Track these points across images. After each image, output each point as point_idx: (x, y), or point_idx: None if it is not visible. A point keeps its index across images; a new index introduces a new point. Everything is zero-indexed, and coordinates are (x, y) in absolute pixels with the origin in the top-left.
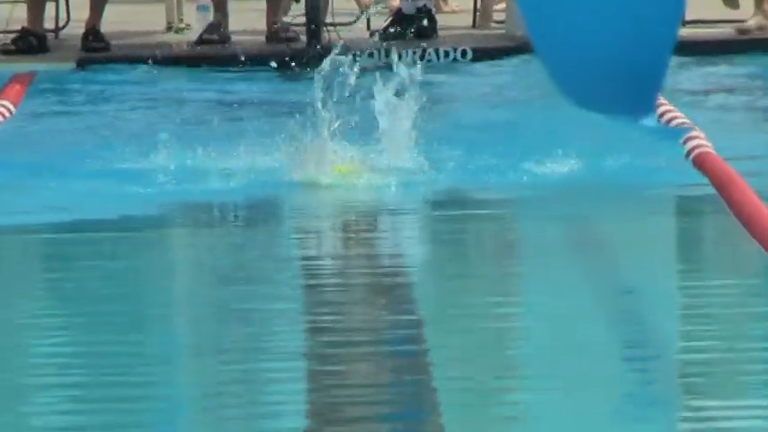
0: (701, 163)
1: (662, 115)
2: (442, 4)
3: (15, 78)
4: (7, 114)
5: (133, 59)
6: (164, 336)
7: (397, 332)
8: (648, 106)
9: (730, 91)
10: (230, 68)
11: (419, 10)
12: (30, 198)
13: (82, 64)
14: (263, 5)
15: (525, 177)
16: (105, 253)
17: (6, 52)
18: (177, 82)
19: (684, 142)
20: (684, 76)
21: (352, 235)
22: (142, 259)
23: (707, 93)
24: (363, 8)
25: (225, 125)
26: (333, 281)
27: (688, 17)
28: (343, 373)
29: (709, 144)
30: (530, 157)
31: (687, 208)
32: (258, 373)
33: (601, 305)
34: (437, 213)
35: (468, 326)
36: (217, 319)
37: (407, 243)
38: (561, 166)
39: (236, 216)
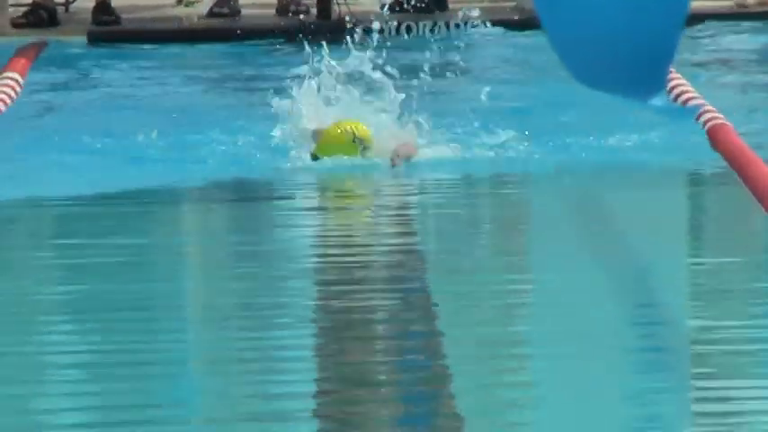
0: (715, 135)
1: (672, 90)
2: None
3: (22, 51)
4: (17, 88)
5: (143, 33)
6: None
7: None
8: (658, 85)
9: (727, 63)
10: (240, 42)
11: None
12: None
13: (92, 37)
14: None
15: (536, 155)
16: (111, 228)
17: (17, 26)
18: (186, 57)
19: (698, 116)
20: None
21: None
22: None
23: (707, 64)
24: None
25: (232, 99)
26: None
27: None
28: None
29: (723, 117)
30: (541, 136)
31: (700, 182)
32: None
33: (613, 281)
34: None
35: (480, 301)
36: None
37: (419, 219)
38: (572, 142)
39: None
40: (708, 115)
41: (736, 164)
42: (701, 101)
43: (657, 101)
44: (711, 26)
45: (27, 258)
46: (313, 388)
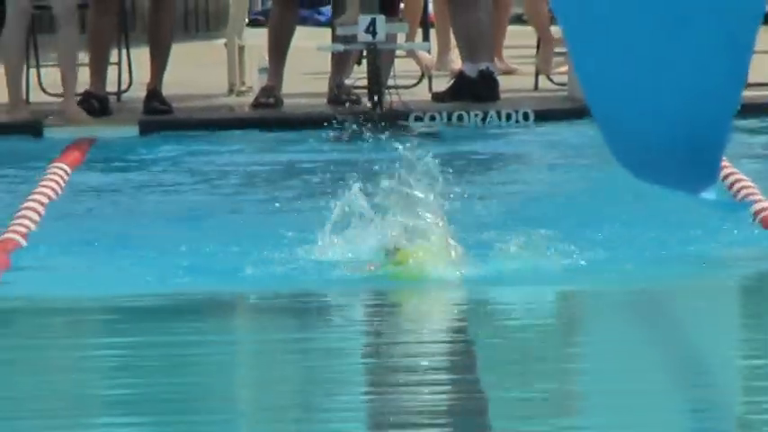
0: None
1: (726, 178)
2: (497, 61)
3: (75, 143)
4: (63, 180)
5: (194, 122)
6: None
7: None
8: (710, 179)
9: None
10: (291, 131)
11: (481, 72)
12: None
13: (144, 127)
14: (317, 67)
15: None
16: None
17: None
18: (239, 147)
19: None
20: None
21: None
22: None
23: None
24: (426, 70)
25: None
26: None
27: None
28: None
29: None
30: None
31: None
32: None
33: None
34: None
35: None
36: None
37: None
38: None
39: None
40: (761, 204)
41: None
42: (755, 193)
43: (709, 194)
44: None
45: (76, 356)
46: None
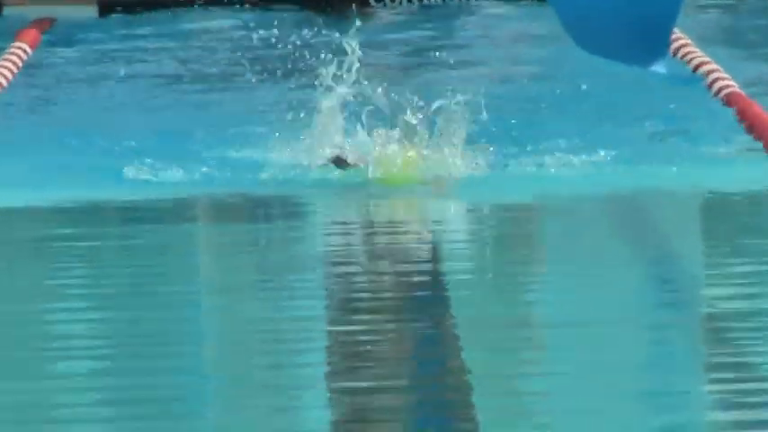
0: (728, 102)
1: (677, 51)
2: None
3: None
4: (24, 57)
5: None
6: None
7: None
8: (660, 52)
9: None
10: (255, 7)
11: None
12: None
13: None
14: None
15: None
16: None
17: None
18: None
19: (711, 83)
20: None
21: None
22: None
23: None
24: None
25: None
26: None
27: None
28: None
29: (733, 83)
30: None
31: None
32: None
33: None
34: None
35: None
36: None
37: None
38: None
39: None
40: (720, 83)
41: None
42: (710, 65)
43: (661, 67)
44: None
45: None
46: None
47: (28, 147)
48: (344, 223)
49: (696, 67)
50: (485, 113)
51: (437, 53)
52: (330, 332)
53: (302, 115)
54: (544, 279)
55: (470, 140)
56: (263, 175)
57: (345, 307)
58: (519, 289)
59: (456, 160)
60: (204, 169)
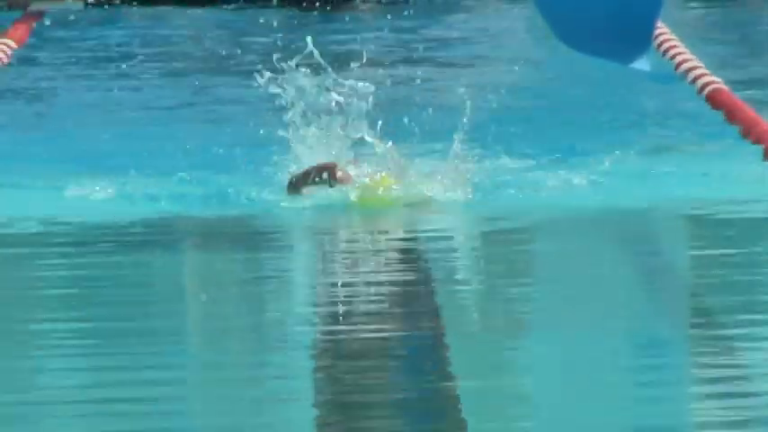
0: (713, 99)
1: (660, 45)
2: None
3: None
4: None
5: None
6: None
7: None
8: (642, 49)
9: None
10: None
11: None
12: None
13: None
14: None
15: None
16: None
17: None
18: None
19: (694, 80)
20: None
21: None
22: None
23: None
24: None
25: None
26: None
27: None
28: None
29: (718, 79)
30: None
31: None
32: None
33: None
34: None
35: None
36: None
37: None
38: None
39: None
40: (704, 79)
41: (744, 125)
42: (692, 62)
43: (644, 64)
44: None
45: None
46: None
47: None
48: (323, 236)
49: (678, 65)
50: (467, 129)
51: (419, 70)
52: (317, 339)
53: (280, 132)
54: (531, 294)
55: (452, 158)
56: (237, 192)
57: (332, 314)
58: (506, 303)
59: (438, 179)
60: (181, 186)
